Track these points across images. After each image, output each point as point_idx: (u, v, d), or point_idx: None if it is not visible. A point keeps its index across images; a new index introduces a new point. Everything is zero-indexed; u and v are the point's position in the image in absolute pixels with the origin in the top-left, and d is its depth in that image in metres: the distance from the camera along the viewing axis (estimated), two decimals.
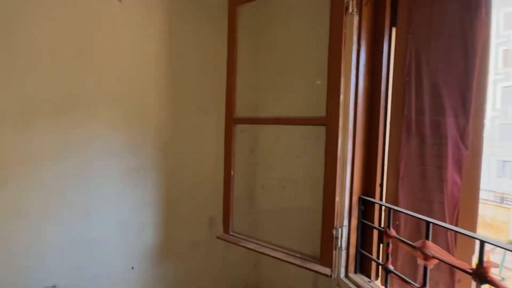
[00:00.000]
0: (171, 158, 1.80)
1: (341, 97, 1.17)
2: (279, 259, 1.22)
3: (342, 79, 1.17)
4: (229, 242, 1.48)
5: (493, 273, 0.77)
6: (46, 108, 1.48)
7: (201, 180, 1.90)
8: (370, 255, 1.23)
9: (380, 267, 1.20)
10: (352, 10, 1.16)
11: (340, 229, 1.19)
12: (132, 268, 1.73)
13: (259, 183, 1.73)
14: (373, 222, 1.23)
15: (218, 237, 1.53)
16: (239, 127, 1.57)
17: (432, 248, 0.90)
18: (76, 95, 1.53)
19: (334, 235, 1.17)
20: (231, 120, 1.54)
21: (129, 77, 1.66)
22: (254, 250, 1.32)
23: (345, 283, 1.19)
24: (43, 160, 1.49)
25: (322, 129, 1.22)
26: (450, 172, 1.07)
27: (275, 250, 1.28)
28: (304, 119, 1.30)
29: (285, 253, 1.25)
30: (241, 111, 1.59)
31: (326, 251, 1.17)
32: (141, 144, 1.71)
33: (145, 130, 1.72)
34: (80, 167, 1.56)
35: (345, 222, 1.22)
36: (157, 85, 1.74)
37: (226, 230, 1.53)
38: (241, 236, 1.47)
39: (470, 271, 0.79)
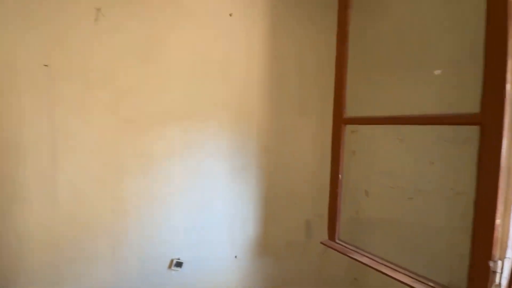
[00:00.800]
0: (272, 158, 1.85)
1: (508, 87, 0.88)
2: (405, 283, 1.03)
3: (510, 63, 0.88)
4: (335, 250, 1.39)
5: None
6: (177, 113, 1.79)
7: (299, 181, 1.88)
8: None
9: None
10: None
11: (500, 262, 0.90)
12: (235, 256, 1.88)
13: (360, 188, 1.56)
14: None
15: (322, 243, 1.47)
16: (349, 128, 1.44)
17: None
18: (196, 102, 1.79)
19: (491, 269, 0.90)
20: (340, 120, 1.44)
21: (237, 83, 1.81)
22: (368, 266, 1.18)
23: None
24: (173, 156, 1.80)
25: (472, 129, 0.96)
26: None
27: (397, 271, 1.10)
28: (446, 117, 1.05)
29: (412, 277, 1.05)
30: (349, 110, 1.47)
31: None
32: (246, 145, 1.84)
33: (249, 132, 1.84)
34: (196, 164, 1.82)
35: (509, 254, 0.92)
36: (260, 89, 1.83)
37: (331, 237, 1.44)
38: (350, 247, 1.35)
39: None
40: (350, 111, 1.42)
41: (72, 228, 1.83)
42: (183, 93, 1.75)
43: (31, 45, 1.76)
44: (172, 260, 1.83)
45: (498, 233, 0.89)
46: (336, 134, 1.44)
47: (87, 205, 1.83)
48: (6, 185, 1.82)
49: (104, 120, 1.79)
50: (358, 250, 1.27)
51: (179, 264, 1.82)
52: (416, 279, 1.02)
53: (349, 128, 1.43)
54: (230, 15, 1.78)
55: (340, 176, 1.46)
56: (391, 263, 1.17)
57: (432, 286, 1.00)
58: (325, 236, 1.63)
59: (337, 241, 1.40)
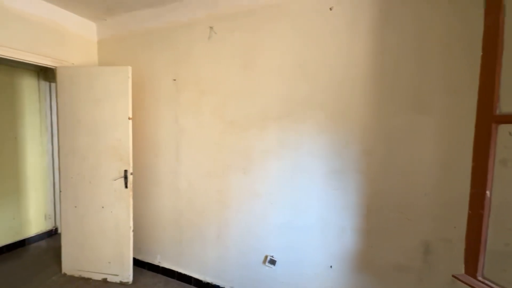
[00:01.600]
0: (377, 162, 1.60)
1: None
2: None
3: None
4: None
5: None
6: (273, 114, 1.83)
7: (415, 192, 1.53)
8: None
9: None
10: None
11: None
12: (331, 267, 1.74)
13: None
14: None
15: (456, 277, 1.12)
16: (503, 128, 1.05)
17: None
18: (292, 101, 1.77)
19: None
20: (490, 118, 1.06)
21: (335, 80, 1.67)
22: None
23: None
24: (270, 155, 1.86)
25: None
26: None
27: None
28: None
29: None
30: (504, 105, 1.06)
31: None
32: (344, 146, 1.67)
33: (348, 132, 1.66)
34: (292, 164, 1.80)
35: None
36: (363, 86, 1.61)
37: (470, 272, 1.08)
38: None
39: None
40: (506, 106, 1.00)
41: (190, 212, 2.21)
42: (279, 95, 1.78)
43: (166, 65, 2.26)
44: (266, 256, 1.90)
45: None
46: (482, 137, 1.05)
47: (199, 194, 2.16)
48: (149, 172, 2.40)
49: (212, 122, 2.06)
50: None
51: (272, 262, 1.86)
52: None
53: (503, 129, 1.02)
54: (330, 9, 1.67)
55: (488, 193, 1.07)
56: None
57: None
58: (455, 267, 1.24)
59: (479, 278, 1.02)
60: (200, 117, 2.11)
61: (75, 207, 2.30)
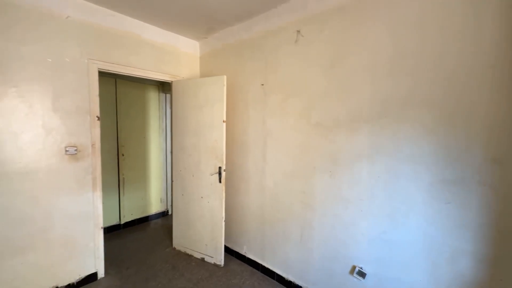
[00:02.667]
0: (511, 174, 1.24)
1: None
2: None
3: None
4: None
5: None
6: (364, 115, 1.70)
7: None
8: None
9: None
10: None
11: None
12: None
13: None
14: None
15: None
16: None
17: None
18: (387, 101, 1.59)
19: None
20: None
21: (444, 73, 1.39)
22: None
23: None
24: (360, 159, 1.73)
25: None
26: None
27: None
28: None
29: None
30: None
31: None
32: (462, 152, 1.37)
33: (468, 135, 1.35)
34: (388, 170, 1.61)
35: None
36: (491, 77, 1.27)
37: None
38: None
39: None
40: None
41: (274, 210, 2.32)
42: (371, 94, 1.63)
43: (254, 71, 2.44)
44: (354, 267, 1.78)
45: None
46: None
47: (283, 194, 2.23)
48: (239, 170, 2.66)
49: (298, 124, 2.09)
50: None
51: (361, 274, 1.73)
52: None
53: None
54: None
55: None
56: None
57: None
58: None
59: None
60: (285, 119, 2.18)
61: (182, 195, 2.80)
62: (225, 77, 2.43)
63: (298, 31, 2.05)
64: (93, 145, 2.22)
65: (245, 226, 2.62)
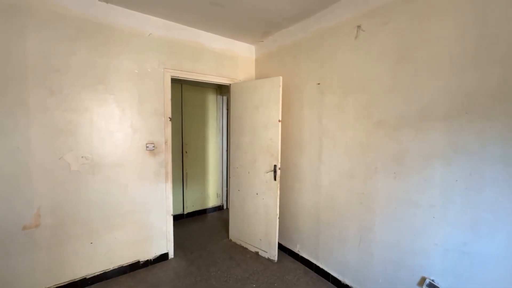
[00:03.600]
0: None
1: None
2: None
3: None
4: None
5: None
6: (439, 112, 1.54)
7: None
8: None
9: None
10: None
11: None
12: None
13: None
14: None
15: None
16: None
17: None
18: (473, 94, 1.40)
19: None
20: None
21: None
22: None
23: None
24: (432, 160, 1.58)
25: None
26: None
27: None
28: None
29: None
30: None
31: None
32: None
33: None
34: (469, 173, 1.42)
35: None
36: None
37: None
38: None
39: None
40: None
41: (330, 210, 2.29)
42: (447, 88, 1.46)
43: (310, 71, 2.44)
44: (424, 278, 1.62)
45: None
46: None
47: (340, 194, 2.17)
48: (293, 169, 2.69)
49: (357, 122, 2.01)
50: None
51: (433, 287, 1.56)
52: None
53: None
54: None
55: None
56: None
57: None
58: None
59: None
60: (343, 117, 2.12)
61: (238, 190, 2.98)
62: (280, 78, 2.50)
63: (359, 26, 1.98)
64: (166, 142, 2.57)
65: (299, 224, 2.64)
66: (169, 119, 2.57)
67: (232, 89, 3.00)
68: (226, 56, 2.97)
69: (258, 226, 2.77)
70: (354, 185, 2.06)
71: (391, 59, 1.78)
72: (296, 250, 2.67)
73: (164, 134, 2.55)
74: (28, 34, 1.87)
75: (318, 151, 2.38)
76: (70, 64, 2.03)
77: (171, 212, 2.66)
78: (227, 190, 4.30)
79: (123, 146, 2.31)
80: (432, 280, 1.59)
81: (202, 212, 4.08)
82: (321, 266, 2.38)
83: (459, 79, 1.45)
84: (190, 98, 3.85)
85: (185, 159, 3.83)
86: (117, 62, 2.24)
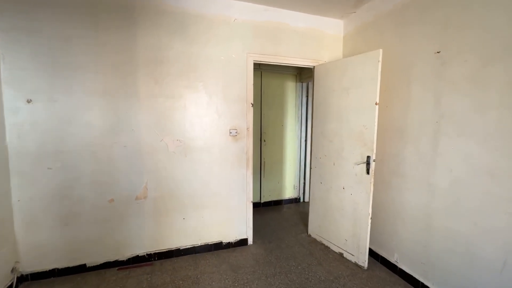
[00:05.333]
0: None
1: None
2: None
3: None
4: None
5: None
6: None
7: None
8: None
9: None
10: None
11: None
12: None
13: None
14: None
15: None
16: None
17: None
18: None
19: None
20: None
21: None
22: None
23: None
24: None
25: None
26: None
27: None
28: None
29: None
30: None
31: None
32: None
33: None
34: None
35: None
36: None
37: None
38: None
39: None
40: None
41: (451, 218, 1.75)
42: None
43: (423, 38, 1.90)
44: None
45: None
46: None
47: (472, 199, 1.61)
48: (390, 160, 2.22)
49: (506, 100, 1.41)
50: None
51: None
52: None
53: None
54: None
55: None
56: None
57: None
58: None
59: None
60: (482, 94, 1.54)
61: (321, 183, 2.71)
62: (380, 51, 2.06)
63: None
64: (247, 128, 2.55)
65: (397, 228, 2.17)
66: (251, 105, 2.54)
67: (316, 72, 2.71)
68: (310, 36, 2.70)
69: (344, 224, 2.44)
70: (498, 188, 1.47)
71: None
72: (393, 259, 2.22)
73: (246, 120, 2.54)
74: (138, 30, 2.13)
75: (433, 140, 1.85)
76: (169, 55, 2.23)
77: (251, 199, 2.65)
78: (304, 183, 4.08)
79: (209, 130, 2.42)
80: None
81: (278, 203, 4.01)
82: (432, 287, 1.88)
83: None
84: (270, 86, 3.77)
85: (263, 147, 3.81)
86: (206, 50, 2.33)
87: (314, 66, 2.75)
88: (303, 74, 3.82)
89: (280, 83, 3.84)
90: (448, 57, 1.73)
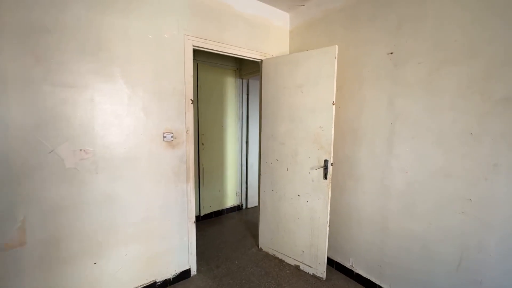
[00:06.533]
0: None
1: None
2: None
3: None
4: None
5: None
6: None
7: None
8: None
9: None
10: None
11: None
12: None
13: None
14: None
15: None
16: None
17: None
18: None
19: None
20: None
21: None
22: None
23: None
24: None
25: None
26: None
27: None
28: None
29: None
30: None
31: None
32: None
33: None
34: None
35: None
36: None
37: None
38: None
39: None
40: None
41: (405, 219, 1.76)
42: None
43: (375, 38, 1.87)
44: None
45: None
46: None
47: (425, 200, 1.64)
48: (345, 163, 2.15)
49: (462, 102, 1.45)
50: None
51: None
52: None
53: None
54: None
55: None
56: None
57: None
58: None
59: None
60: (435, 97, 1.57)
61: (272, 190, 2.45)
62: (336, 47, 1.93)
63: None
64: (187, 131, 2.01)
65: (353, 233, 2.12)
66: (190, 102, 2.01)
67: (264, 66, 2.42)
68: (257, 25, 2.38)
69: (301, 235, 2.25)
70: (452, 188, 1.52)
71: None
72: (348, 264, 2.16)
73: (185, 120, 1.99)
74: None
75: (388, 142, 1.83)
76: (65, 21, 1.46)
77: (194, 219, 2.13)
78: (246, 187, 3.78)
79: (134, 135, 1.76)
80: None
81: (220, 213, 3.56)
82: None
83: None
84: (207, 80, 3.27)
85: (201, 152, 3.29)
86: (126, 22, 1.67)
87: (261, 60, 2.45)
88: (244, 70, 3.50)
89: (218, 77, 3.39)
90: (401, 59, 1.73)
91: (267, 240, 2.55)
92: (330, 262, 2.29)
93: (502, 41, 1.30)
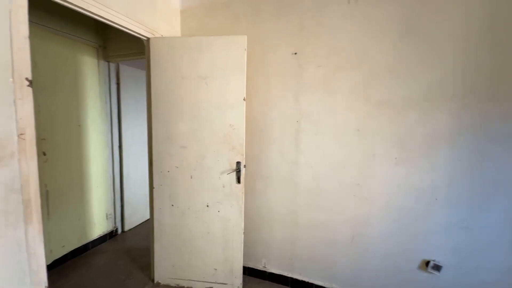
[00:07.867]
0: None
1: None
2: None
3: None
4: None
5: None
6: (446, 91, 1.51)
7: None
8: None
9: None
10: None
11: None
12: None
13: None
14: None
15: None
16: None
17: None
18: (476, 75, 1.45)
19: None
20: None
21: None
22: None
23: None
24: (438, 142, 1.55)
25: None
26: None
27: None
28: None
29: None
30: None
31: None
32: None
33: None
34: (473, 152, 1.48)
35: None
36: None
37: None
38: None
39: None
40: None
41: (313, 210, 1.90)
42: (456, 68, 1.44)
43: (281, 36, 1.89)
44: (424, 261, 1.62)
45: None
46: None
47: (328, 190, 1.84)
48: (255, 163, 2.06)
49: (351, 103, 1.73)
50: None
51: (436, 267, 1.59)
52: None
53: None
54: None
55: None
56: None
57: None
58: None
59: None
60: (332, 98, 1.77)
61: (172, 205, 1.95)
62: (245, 37, 1.77)
63: None
64: (21, 135, 1.14)
65: (265, 234, 2.08)
66: (27, 83, 1.15)
67: (153, 47, 1.86)
68: None
69: (212, 251, 1.93)
70: (348, 177, 1.78)
71: (396, 31, 1.59)
72: (260, 266, 2.11)
73: (15, 116, 1.11)
74: None
75: (295, 140, 1.91)
76: None
77: (46, 282, 1.26)
78: (122, 206, 2.89)
79: None
80: (434, 260, 1.61)
81: (83, 250, 2.50)
82: (300, 278, 1.98)
83: (470, 59, 1.45)
84: (49, 57, 2.13)
85: (43, 166, 2.12)
86: None
87: (148, 38, 1.87)
88: (111, 49, 2.60)
89: (69, 54, 2.31)
90: (304, 60, 1.83)
91: (166, 270, 2.01)
92: (243, 270, 2.15)
93: (379, 55, 1.64)
